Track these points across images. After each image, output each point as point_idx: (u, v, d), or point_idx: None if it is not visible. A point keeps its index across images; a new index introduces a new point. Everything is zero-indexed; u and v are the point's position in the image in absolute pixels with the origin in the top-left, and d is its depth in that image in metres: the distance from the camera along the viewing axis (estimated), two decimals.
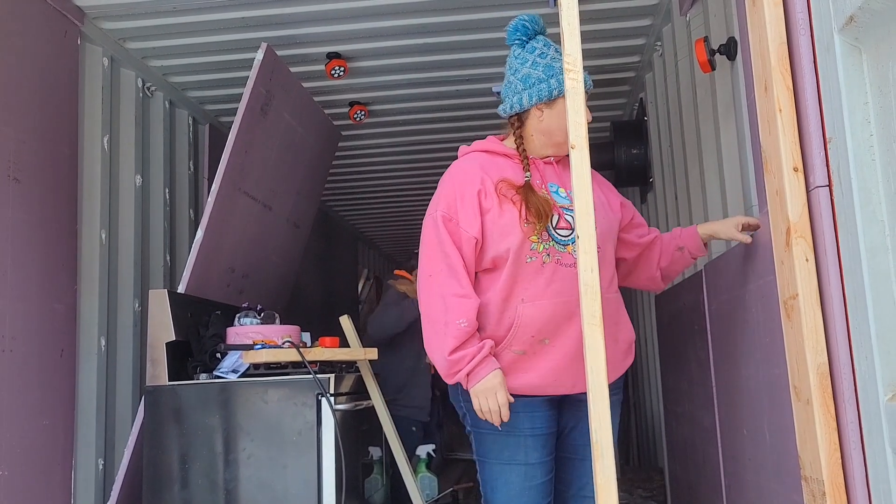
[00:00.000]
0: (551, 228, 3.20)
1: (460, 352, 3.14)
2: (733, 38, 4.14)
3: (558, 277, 3.17)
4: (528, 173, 3.30)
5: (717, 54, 4.29)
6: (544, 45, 3.36)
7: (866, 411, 2.21)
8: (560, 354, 3.20)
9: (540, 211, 3.18)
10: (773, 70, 2.55)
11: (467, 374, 3.14)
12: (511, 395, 3.18)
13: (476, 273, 3.30)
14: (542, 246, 3.18)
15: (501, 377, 3.15)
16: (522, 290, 3.22)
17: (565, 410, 3.39)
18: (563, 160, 3.33)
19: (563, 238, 3.19)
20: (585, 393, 3.05)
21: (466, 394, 3.23)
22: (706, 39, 4.37)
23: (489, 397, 3.13)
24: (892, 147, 2.00)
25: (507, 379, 3.20)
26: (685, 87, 5.33)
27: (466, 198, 3.26)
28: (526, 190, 3.24)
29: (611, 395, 3.32)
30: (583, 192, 2.77)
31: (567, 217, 3.20)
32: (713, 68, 4.38)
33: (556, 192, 3.29)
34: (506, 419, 3.16)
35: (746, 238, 3.24)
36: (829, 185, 2.37)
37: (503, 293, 3.23)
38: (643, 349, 7.74)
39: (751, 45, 2.79)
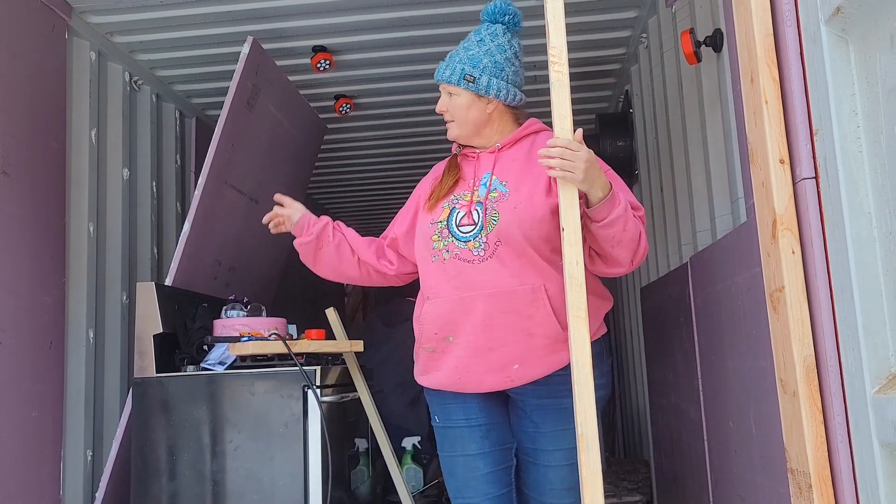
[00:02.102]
0: (453, 225, 3.20)
1: None
2: (719, 29, 4.15)
3: (457, 274, 3.16)
4: (459, 148, 3.43)
5: (703, 46, 4.29)
6: (474, 33, 3.37)
7: (853, 404, 2.22)
8: (461, 352, 3.17)
9: (437, 192, 3.34)
10: (760, 61, 2.56)
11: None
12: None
13: None
14: (441, 243, 3.21)
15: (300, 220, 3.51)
16: (428, 287, 3.28)
17: (510, 407, 3.36)
18: (518, 145, 3.33)
19: (463, 235, 3.17)
20: (520, 389, 3.16)
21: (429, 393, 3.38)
22: (692, 31, 4.37)
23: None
24: (880, 139, 2.01)
25: (427, 376, 3.33)
26: (671, 79, 5.33)
27: (411, 201, 3.47)
28: (446, 170, 3.42)
29: (546, 397, 3.21)
30: (568, 185, 2.80)
31: (475, 212, 3.19)
32: (699, 60, 4.38)
33: (485, 184, 3.25)
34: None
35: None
36: (816, 177, 2.37)
37: (420, 293, 3.34)
38: (628, 341, 7.75)
39: (737, 36, 2.79)
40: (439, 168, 3.50)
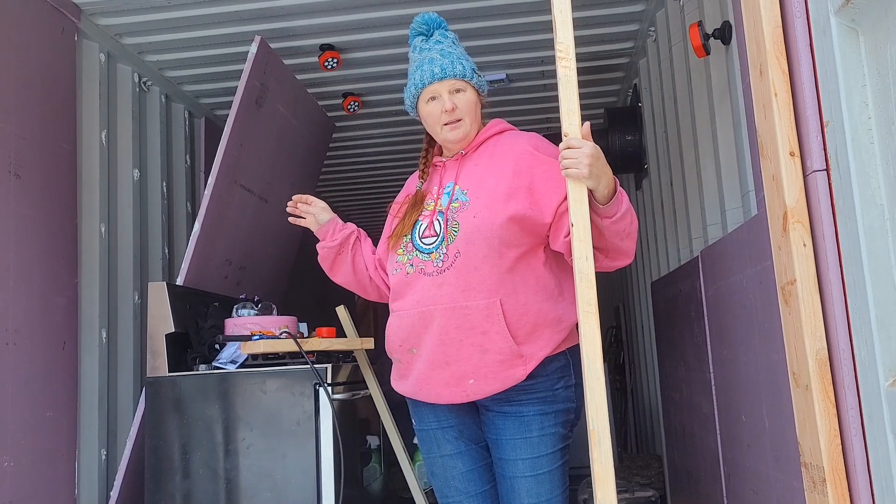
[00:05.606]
0: (416, 238, 3.19)
1: None
2: (728, 21, 4.14)
3: (419, 287, 3.13)
4: (420, 183, 3.41)
5: (712, 38, 4.28)
6: (422, 41, 3.35)
7: (867, 397, 2.21)
8: (422, 364, 3.16)
9: (399, 231, 3.30)
10: (769, 54, 2.54)
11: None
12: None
13: None
14: (406, 257, 3.20)
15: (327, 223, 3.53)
16: (393, 301, 3.27)
17: (480, 411, 3.30)
18: (480, 149, 3.28)
19: (426, 247, 3.15)
20: (486, 400, 3.11)
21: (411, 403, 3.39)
22: (700, 24, 4.36)
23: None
24: (891, 130, 2.00)
25: (397, 383, 3.34)
26: (679, 73, 5.32)
27: (388, 218, 3.48)
28: (411, 202, 3.37)
29: (506, 404, 3.13)
30: (576, 181, 2.79)
31: (437, 222, 3.16)
32: (708, 53, 4.37)
33: (448, 193, 3.22)
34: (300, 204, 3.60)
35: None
36: (827, 169, 2.36)
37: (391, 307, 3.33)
38: (639, 336, 7.74)
39: (745, 28, 2.78)
40: (411, 184, 3.50)
